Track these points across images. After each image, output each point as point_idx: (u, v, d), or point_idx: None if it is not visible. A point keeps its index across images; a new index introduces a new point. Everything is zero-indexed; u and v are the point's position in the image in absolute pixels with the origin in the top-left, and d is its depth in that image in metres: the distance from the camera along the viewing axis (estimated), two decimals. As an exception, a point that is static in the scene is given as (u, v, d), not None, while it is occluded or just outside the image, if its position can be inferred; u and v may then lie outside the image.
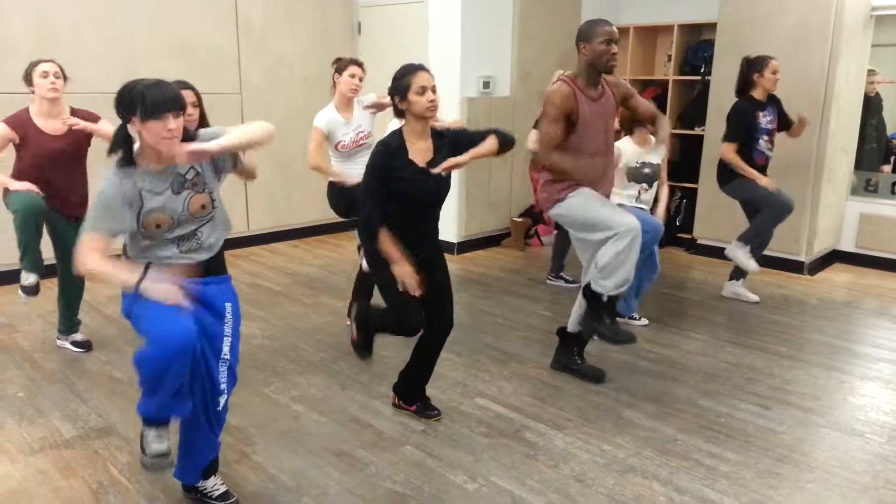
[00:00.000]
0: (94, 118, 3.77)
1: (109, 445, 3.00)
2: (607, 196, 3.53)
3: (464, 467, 2.87)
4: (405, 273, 2.84)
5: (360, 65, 4.07)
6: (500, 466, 2.87)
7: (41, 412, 3.28)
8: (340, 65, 4.07)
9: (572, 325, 3.71)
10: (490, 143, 2.93)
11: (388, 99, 3.48)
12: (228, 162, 2.41)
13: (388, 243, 2.85)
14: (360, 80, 4.05)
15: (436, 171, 2.84)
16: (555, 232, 5.45)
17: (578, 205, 3.36)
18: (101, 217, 2.18)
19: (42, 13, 5.09)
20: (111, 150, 2.21)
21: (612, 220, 3.28)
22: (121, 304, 2.32)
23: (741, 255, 4.86)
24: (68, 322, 4.00)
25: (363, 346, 3.14)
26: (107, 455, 2.92)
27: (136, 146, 2.20)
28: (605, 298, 3.37)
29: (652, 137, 4.27)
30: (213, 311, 2.37)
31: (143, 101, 2.10)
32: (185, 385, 2.29)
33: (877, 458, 2.98)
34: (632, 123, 4.21)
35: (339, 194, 4.04)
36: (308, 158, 3.99)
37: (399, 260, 2.84)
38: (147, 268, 2.26)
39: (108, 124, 3.73)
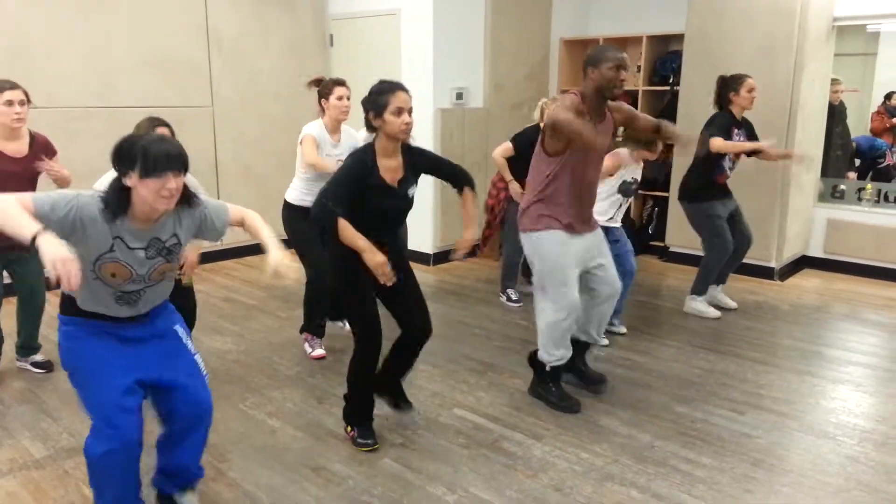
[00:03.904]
0: (52, 152, 3.72)
1: (81, 465, 2.92)
2: (589, 223, 3.45)
3: (443, 479, 2.86)
4: (376, 261, 2.75)
5: (343, 84, 3.98)
6: (479, 477, 2.87)
7: (10, 433, 3.21)
8: (323, 88, 3.98)
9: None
10: (469, 204, 3.10)
11: None
12: (213, 234, 2.40)
13: (349, 231, 2.75)
14: (348, 98, 3.96)
15: (457, 255, 3.04)
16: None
17: (543, 251, 3.33)
18: (48, 201, 2.01)
19: (14, 29, 5.00)
20: (105, 206, 2.09)
21: (559, 288, 3.30)
22: (59, 345, 2.29)
23: (698, 306, 4.95)
24: (27, 345, 3.91)
25: (366, 438, 3.10)
26: (78, 475, 2.86)
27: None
28: (548, 368, 3.48)
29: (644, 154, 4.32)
30: (162, 335, 2.35)
31: (145, 157, 2.02)
32: (136, 482, 2.31)
33: (848, 460, 3.03)
34: (636, 143, 4.21)
35: (296, 220, 3.96)
36: (309, 162, 3.87)
37: (367, 248, 2.76)
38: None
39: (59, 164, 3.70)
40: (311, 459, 3.01)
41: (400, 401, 3.27)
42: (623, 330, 4.53)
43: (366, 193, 2.83)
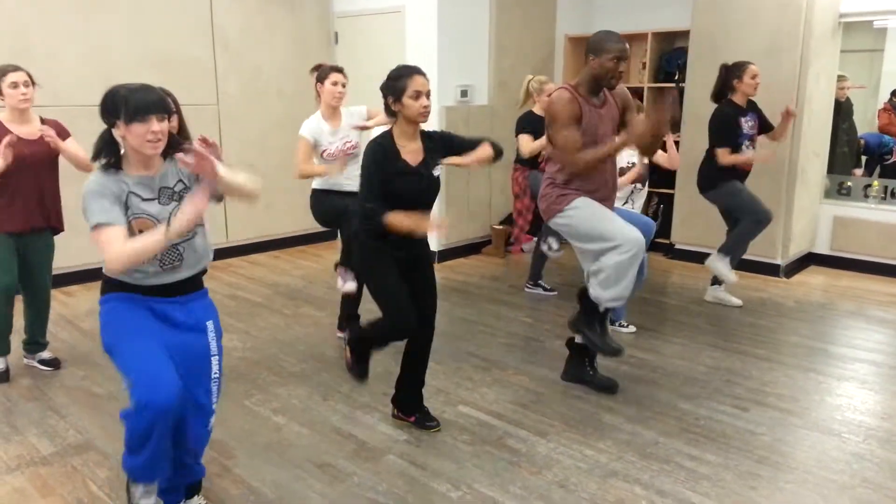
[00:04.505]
0: (65, 133, 3.74)
1: (88, 461, 2.96)
2: (611, 206, 3.47)
3: (447, 475, 2.87)
4: (423, 225, 2.77)
5: (340, 71, 4.04)
6: (483, 474, 2.88)
7: (17, 429, 3.23)
8: (321, 73, 4.04)
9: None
10: (487, 149, 3.02)
11: (374, 120, 3.52)
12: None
13: (397, 218, 2.77)
14: (343, 86, 4.02)
15: (445, 162, 2.91)
16: (534, 240, 5.45)
17: (580, 216, 3.33)
18: (102, 209, 2.09)
19: (15, 28, 5.04)
20: (95, 156, 2.17)
21: (614, 231, 3.25)
22: (100, 329, 2.28)
23: (721, 267, 4.90)
24: (34, 342, 3.94)
25: (358, 369, 3.16)
26: (86, 471, 2.88)
27: (122, 152, 2.17)
28: (600, 309, 3.41)
29: None
30: (197, 330, 2.35)
31: (126, 103, 2.07)
32: (169, 445, 2.26)
33: (854, 457, 3.02)
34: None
35: (324, 201, 4.04)
36: (295, 169, 3.95)
37: (416, 220, 2.76)
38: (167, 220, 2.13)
39: (75, 143, 3.71)
40: (317, 456, 3.02)
41: (425, 419, 3.27)
42: (632, 329, 4.53)
43: (392, 179, 2.85)
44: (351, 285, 4.13)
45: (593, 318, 3.47)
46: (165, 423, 2.16)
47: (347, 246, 4.15)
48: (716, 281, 5.13)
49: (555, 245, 5.17)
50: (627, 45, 3.28)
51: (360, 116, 4.14)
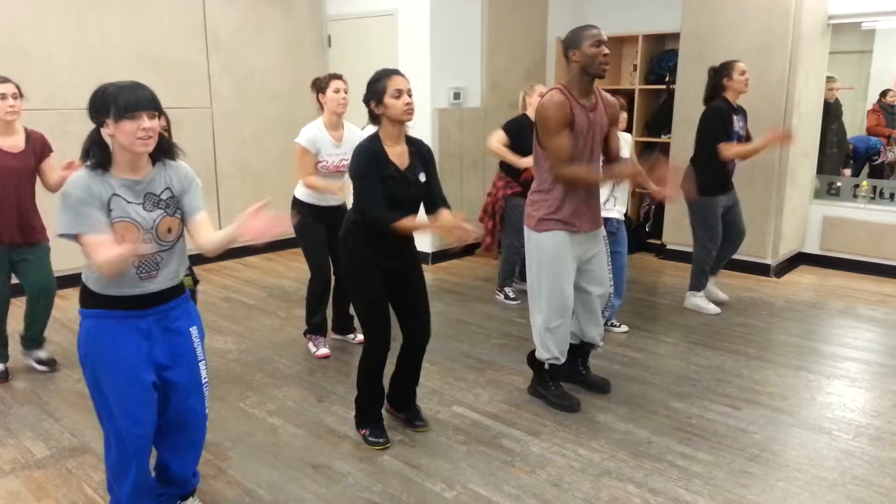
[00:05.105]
0: (48, 149, 3.75)
1: (83, 464, 2.96)
2: (596, 221, 3.41)
3: (442, 475, 2.88)
4: (452, 224, 2.86)
5: (340, 78, 3.97)
6: (477, 474, 2.90)
7: (12, 433, 3.23)
8: (321, 83, 3.96)
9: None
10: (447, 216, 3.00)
11: None
12: (189, 208, 2.29)
13: (406, 222, 2.85)
14: (346, 92, 3.93)
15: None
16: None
17: (543, 252, 3.32)
18: (80, 216, 2.06)
19: (11, 29, 5.03)
20: (83, 157, 2.13)
21: (554, 289, 3.32)
22: (79, 341, 2.26)
23: (698, 302, 4.99)
24: (32, 338, 3.92)
25: (375, 428, 3.17)
26: (80, 474, 2.88)
27: (111, 152, 2.13)
28: (546, 366, 3.49)
29: (619, 134, 4.27)
30: (181, 336, 2.35)
31: (116, 101, 2.04)
32: (151, 483, 2.39)
33: (844, 454, 3.05)
34: None
35: (306, 224, 3.95)
36: (305, 183, 3.92)
37: (420, 225, 2.90)
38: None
39: (53, 162, 3.75)
40: (312, 457, 3.03)
41: (414, 419, 3.28)
42: (624, 328, 4.56)
43: (379, 177, 2.85)
44: (324, 350, 4.16)
45: (544, 377, 3.54)
46: (144, 453, 2.28)
47: (310, 305, 4.16)
48: (692, 286, 5.09)
49: (511, 294, 5.19)
50: (603, 32, 3.21)
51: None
